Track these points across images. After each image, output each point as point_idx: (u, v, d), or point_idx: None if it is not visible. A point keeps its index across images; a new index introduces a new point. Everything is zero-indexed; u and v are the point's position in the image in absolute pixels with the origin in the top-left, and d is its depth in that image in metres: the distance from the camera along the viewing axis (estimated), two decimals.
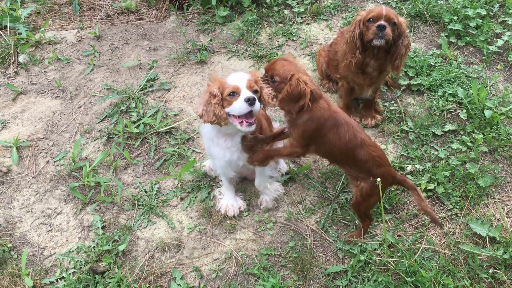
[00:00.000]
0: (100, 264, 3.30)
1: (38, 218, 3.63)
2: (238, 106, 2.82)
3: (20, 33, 5.13)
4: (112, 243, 3.40)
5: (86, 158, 3.99)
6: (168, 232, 3.49)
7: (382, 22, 3.40)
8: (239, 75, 2.95)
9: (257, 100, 2.82)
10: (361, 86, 3.85)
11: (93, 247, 3.39)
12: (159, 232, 3.49)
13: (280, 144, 3.52)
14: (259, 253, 3.33)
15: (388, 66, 3.69)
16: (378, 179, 2.84)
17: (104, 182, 3.74)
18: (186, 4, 5.46)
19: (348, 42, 3.62)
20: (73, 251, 3.40)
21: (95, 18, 5.57)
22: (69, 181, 3.84)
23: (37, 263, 3.37)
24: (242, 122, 2.87)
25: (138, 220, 3.56)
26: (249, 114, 2.86)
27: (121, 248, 3.35)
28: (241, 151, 3.17)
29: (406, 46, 3.54)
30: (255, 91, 2.90)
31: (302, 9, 5.26)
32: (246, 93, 2.82)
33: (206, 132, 3.22)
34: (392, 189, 3.62)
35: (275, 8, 5.31)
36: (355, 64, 3.62)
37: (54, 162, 3.98)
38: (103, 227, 3.51)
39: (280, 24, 5.18)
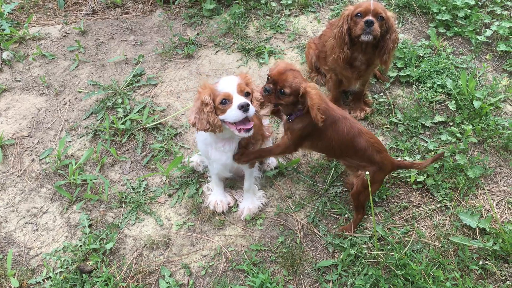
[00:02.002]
0: (87, 263, 3.26)
1: (24, 217, 3.57)
2: (233, 114, 2.78)
3: (3, 29, 5.03)
4: (99, 241, 3.35)
5: (72, 155, 3.93)
6: (156, 229, 3.45)
7: (370, 17, 3.35)
8: (229, 80, 2.89)
9: (251, 105, 2.78)
10: (349, 79, 3.81)
11: (80, 246, 3.33)
12: (147, 230, 3.45)
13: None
14: (249, 249, 3.30)
15: (376, 60, 3.66)
16: (367, 173, 2.84)
17: (91, 180, 3.68)
18: None
19: (336, 38, 3.57)
20: (59, 250, 3.35)
21: (80, 13, 5.48)
22: (55, 179, 3.78)
23: (23, 263, 3.32)
24: (240, 129, 2.82)
25: (125, 217, 3.51)
26: (245, 119, 2.81)
27: (108, 246, 3.30)
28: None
29: (394, 41, 3.50)
30: (246, 94, 2.86)
31: (290, 1, 5.20)
32: (238, 100, 2.77)
33: (204, 139, 3.17)
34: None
35: (263, 1, 5.25)
36: (343, 59, 3.59)
37: (40, 160, 3.92)
38: (90, 226, 3.46)
39: (268, 17, 5.12)
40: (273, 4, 5.23)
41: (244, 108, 2.74)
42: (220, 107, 2.82)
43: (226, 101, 2.80)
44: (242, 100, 2.77)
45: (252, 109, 2.78)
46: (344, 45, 3.52)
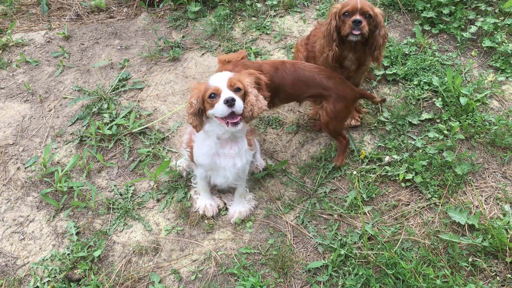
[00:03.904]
0: (75, 271, 3.21)
1: (10, 226, 3.52)
2: (220, 109, 2.74)
3: None
4: (87, 249, 3.31)
5: (58, 162, 3.88)
6: (145, 235, 3.41)
7: (357, 17, 3.32)
8: (221, 74, 2.86)
9: (237, 100, 2.73)
10: None
11: (68, 254, 3.29)
12: (135, 236, 3.41)
13: None
14: (239, 252, 3.27)
15: (367, 60, 3.63)
16: (354, 172, 2.83)
17: (77, 187, 3.64)
18: (157, 0, 5.35)
19: (324, 36, 3.53)
20: (47, 259, 3.30)
21: (64, 18, 5.43)
22: (41, 187, 3.73)
23: (10, 273, 3.27)
24: (228, 122, 2.79)
25: (113, 224, 3.47)
26: (233, 114, 2.77)
27: (96, 254, 3.26)
28: (247, 152, 3.11)
29: (383, 37, 3.47)
30: (237, 89, 2.81)
31: (275, 2, 5.19)
32: (225, 94, 2.73)
33: (209, 150, 3.07)
34: (371, 180, 3.59)
35: (248, 2, 5.23)
36: (332, 57, 3.54)
37: (25, 168, 3.87)
38: (77, 233, 3.41)
39: (253, 18, 5.11)
40: (258, 5, 5.22)
41: (229, 103, 2.69)
42: (209, 101, 2.78)
43: (215, 95, 2.77)
44: (228, 94, 2.73)
45: (239, 104, 2.74)
46: (333, 42, 3.48)
